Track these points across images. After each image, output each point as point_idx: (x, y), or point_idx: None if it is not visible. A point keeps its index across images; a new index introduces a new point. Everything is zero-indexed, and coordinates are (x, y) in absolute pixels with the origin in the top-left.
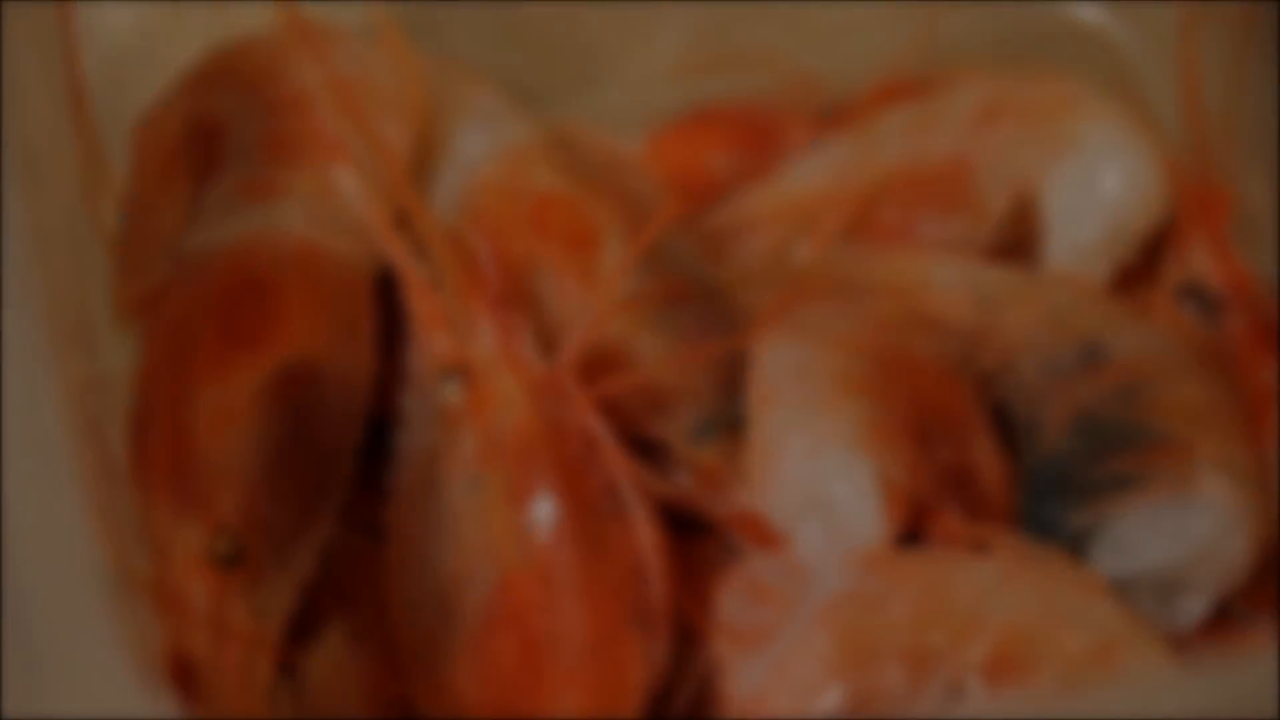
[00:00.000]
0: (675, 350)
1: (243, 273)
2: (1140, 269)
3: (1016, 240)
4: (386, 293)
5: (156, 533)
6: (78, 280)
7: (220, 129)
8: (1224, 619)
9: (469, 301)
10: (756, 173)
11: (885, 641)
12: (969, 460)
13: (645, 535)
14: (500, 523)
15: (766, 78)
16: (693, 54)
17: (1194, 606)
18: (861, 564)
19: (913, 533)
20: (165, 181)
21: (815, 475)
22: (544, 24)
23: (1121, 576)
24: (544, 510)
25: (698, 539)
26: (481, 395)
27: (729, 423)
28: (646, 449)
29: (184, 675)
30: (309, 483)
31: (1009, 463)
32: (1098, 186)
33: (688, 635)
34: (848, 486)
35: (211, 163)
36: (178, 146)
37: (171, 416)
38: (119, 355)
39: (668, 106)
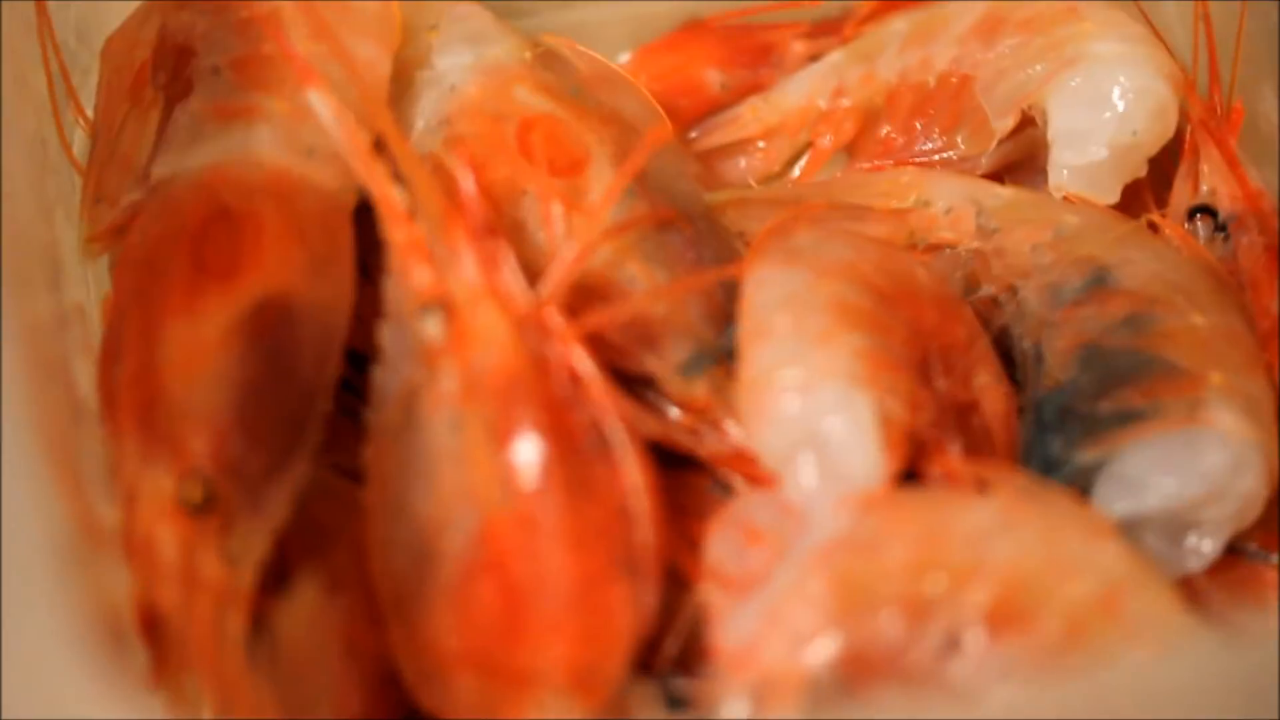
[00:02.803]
0: (665, 280)
1: (214, 202)
2: (1149, 187)
3: (1021, 158)
4: (364, 222)
5: (124, 477)
6: (42, 210)
7: (190, 49)
8: (1236, 558)
9: (449, 231)
10: (751, 88)
11: (882, 588)
12: (971, 393)
13: (633, 476)
14: (482, 464)
15: None
16: None
17: (1205, 546)
18: (858, 505)
19: (912, 471)
20: (134, 103)
21: (809, 411)
22: None
23: (1129, 515)
24: (527, 451)
25: (687, 478)
26: (462, 330)
27: (720, 356)
28: (634, 384)
29: (153, 628)
30: (284, 423)
31: (1012, 395)
32: (1105, 102)
33: (677, 579)
34: (844, 423)
35: (182, 84)
36: (147, 68)
37: (140, 354)
38: (88, 287)
39: (658, 19)
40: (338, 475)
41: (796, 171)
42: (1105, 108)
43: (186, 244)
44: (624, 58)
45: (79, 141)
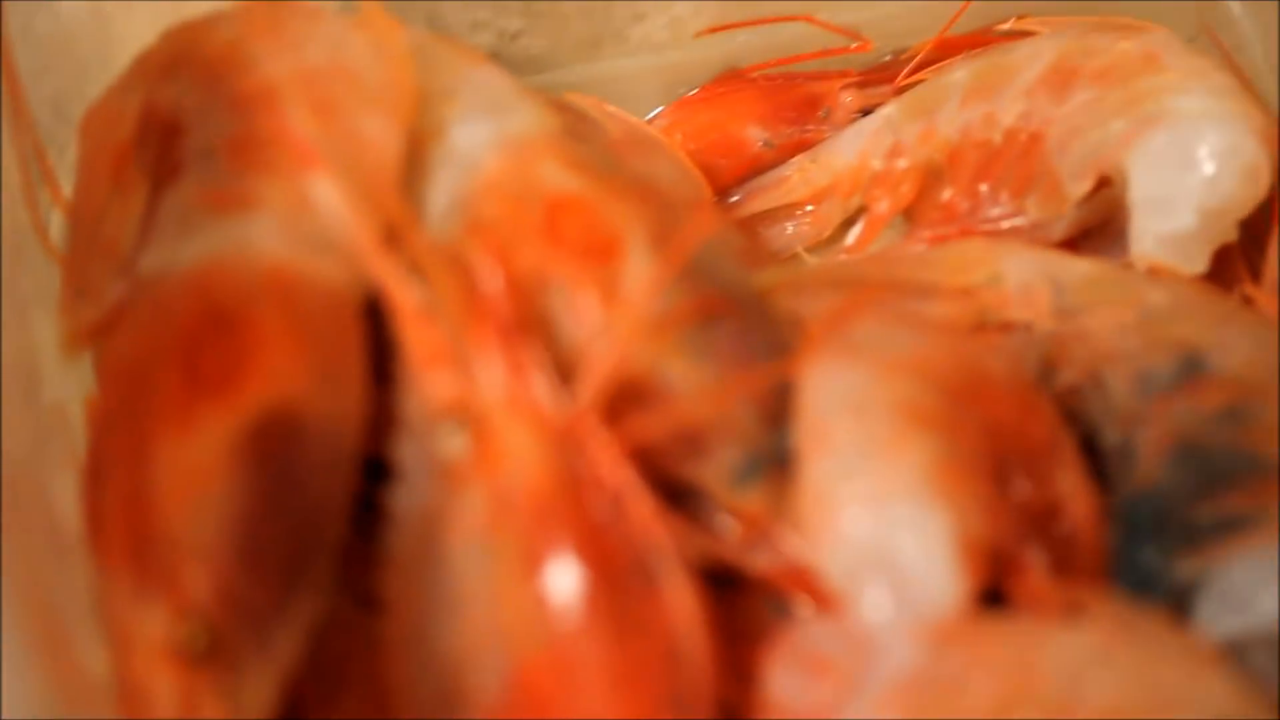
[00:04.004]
0: (713, 379)
1: (208, 303)
2: (1241, 253)
3: (1098, 224)
4: (376, 323)
5: (114, 617)
6: (16, 306)
7: (179, 126)
8: None
9: (472, 332)
10: (796, 146)
11: None
12: (1054, 498)
13: (683, 606)
14: (514, 598)
15: (804, 35)
16: (719, 10)
17: None
18: (935, 635)
19: (993, 591)
20: (117, 186)
21: (878, 529)
22: None
23: (1234, 636)
24: (564, 582)
25: (741, 599)
26: (489, 445)
27: (776, 461)
28: (680, 495)
29: None
30: (293, 553)
31: (1100, 498)
32: (1191, 163)
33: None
34: (917, 542)
35: (170, 165)
36: (130, 146)
37: (128, 476)
38: (70, 388)
39: (692, 69)
40: (354, 606)
41: (849, 239)
42: (1191, 170)
43: (178, 352)
44: (656, 113)
45: (56, 227)
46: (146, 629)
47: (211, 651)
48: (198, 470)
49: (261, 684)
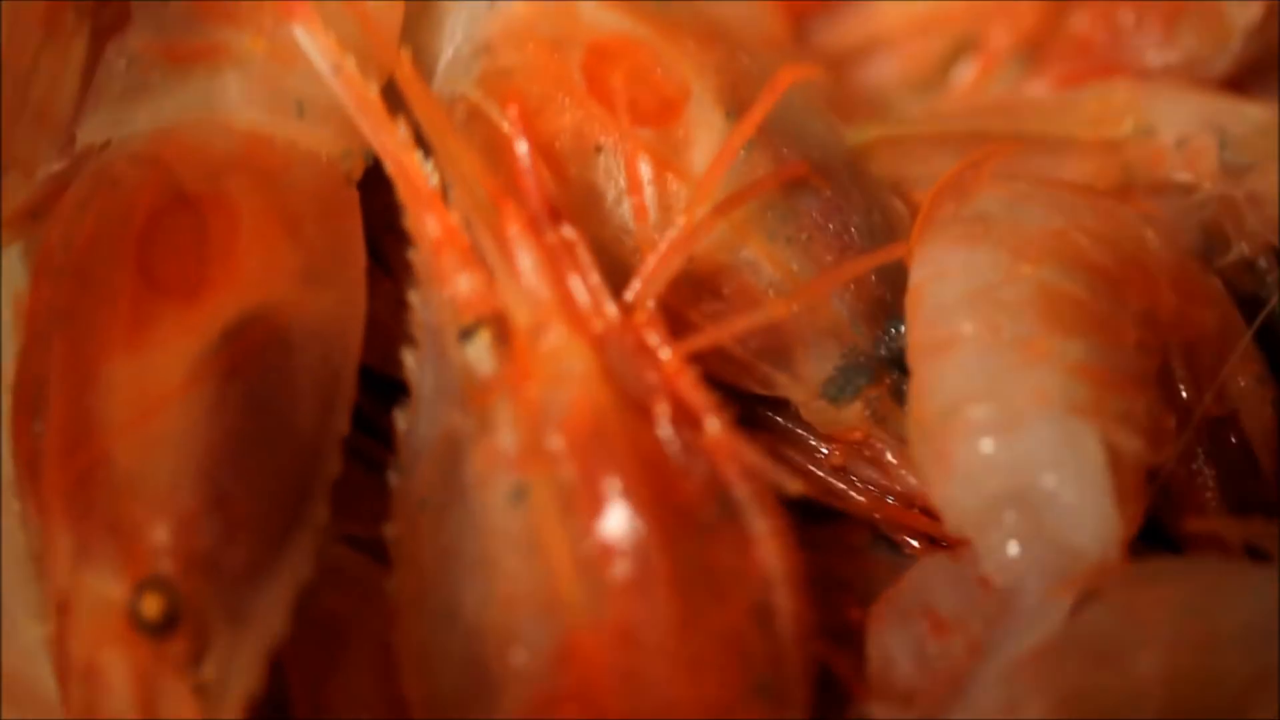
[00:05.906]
0: (797, 264)
1: (167, 183)
2: None
3: (1271, 60)
4: (377, 192)
5: (54, 580)
6: None
7: None
8: None
9: (498, 218)
10: None
11: (1129, 712)
12: (1227, 402)
13: (769, 552)
14: (557, 552)
15: None
16: None
17: None
18: (1087, 584)
19: (1154, 526)
20: (50, 35)
21: (1013, 458)
22: None
23: None
24: (620, 530)
25: (839, 532)
26: (524, 358)
27: (879, 369)
28: (764, 413)
29: None
30: (276, 497)
31: None
32: None
33: (830, 689)
34: (1062, 471)
35: (115, 10)
36: None
37: (71, 403)
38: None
39: None
40: (356, 556)
41: (959, 81)
42: None
43: (131, 244)
44: None
45: None
46: (94, 595)
47: (174, 623)
48: (158, 394)
49: (237, 661)
